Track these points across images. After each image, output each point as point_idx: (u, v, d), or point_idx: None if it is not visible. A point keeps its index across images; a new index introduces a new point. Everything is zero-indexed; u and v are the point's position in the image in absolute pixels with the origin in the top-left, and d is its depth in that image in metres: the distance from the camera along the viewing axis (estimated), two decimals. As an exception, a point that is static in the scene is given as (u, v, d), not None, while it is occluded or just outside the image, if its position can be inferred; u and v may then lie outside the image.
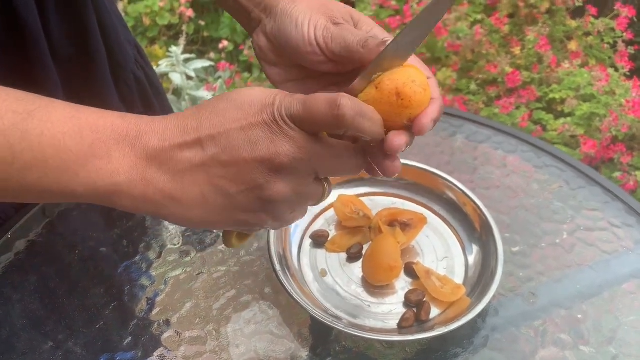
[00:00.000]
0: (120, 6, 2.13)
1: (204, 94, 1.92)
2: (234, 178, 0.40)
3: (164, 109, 0.88)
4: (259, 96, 0.40)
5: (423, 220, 0.63)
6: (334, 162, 0.42)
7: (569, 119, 1.71)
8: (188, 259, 0.63)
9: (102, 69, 0.73)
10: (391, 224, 0.63)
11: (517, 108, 1.76)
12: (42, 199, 0.43)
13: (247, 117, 0.40)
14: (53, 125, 0.39)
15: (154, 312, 0.58)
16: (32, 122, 0.38)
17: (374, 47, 0.45)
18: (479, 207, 0.62)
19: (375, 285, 0.59)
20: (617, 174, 1.62)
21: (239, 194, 0.40)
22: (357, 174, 0.45)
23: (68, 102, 0.59)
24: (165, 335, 0.56)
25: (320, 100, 0.39)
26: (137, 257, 0.63)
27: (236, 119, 0.40)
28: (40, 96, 0.41)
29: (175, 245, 0.64)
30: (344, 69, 0.50)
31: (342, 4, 0.52)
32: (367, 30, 0.49)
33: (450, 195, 0.65)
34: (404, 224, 0.63)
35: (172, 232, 0.65)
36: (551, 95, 1.77)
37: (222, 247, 0.64)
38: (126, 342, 0.56)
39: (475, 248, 0.62)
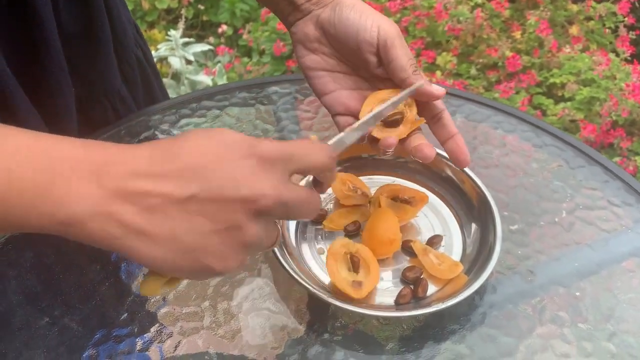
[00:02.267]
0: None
1: (203, 78, 1.92)
2: (213, 216, 0.37)
3: (161, 90, 0.88)
4: (243, 137, 0.39)
5: (424, 199, 0.63)
6: (305, 207, 0.42)
7: (569, 103, 1.71)
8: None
9: (107, 49, 0.73)
10: (393, 200, 0.62)
11: (517, 92, 1.75)
12: None
13: (232, 155, 0.38)
14: (6, 156, 0.35)
15: (151, 288, 0.58)
16: None
17: (414, 80, 0.53)
18: (477, 185, 0.62)
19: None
20: (617, 159, 1.62)
21: (214, 234, 0.38)
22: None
23: (72, 79, 0.59)
24: (162, 311, 0.56)
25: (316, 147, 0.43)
26: (134, 234, 0.62)
27: (220, 155, 0.38)
28: None
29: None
30: (380, 76, 0.56)
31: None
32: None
33: (449, 173, 0.64)
34: (404, 201, 0.62)
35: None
36: (551, 80, 1.76)
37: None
38: (122, 317, 0.56)
39: (473, 226, 0.62)
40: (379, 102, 0.55)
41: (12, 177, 0.35)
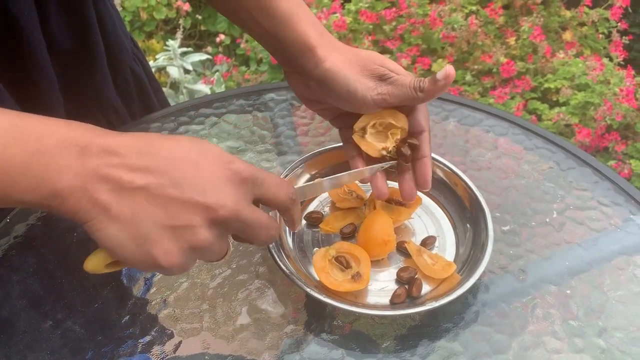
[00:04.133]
0: (117, 0, 2.14)
1: (202, 87, 1.94)
2: (172, 212, 0.41)
3: (160, 101, 0.89)
4: (222, 152, 0.44)
5: (418, 201, 0.64)
6: (262, 231, 0.46)
7: (563, 108, 1.73)
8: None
9: (101, 63, 0.73)
10: (387, 202, 0.64)
11: (512, 98, 1.77)
12: None
13: (208, 164, 0.42)
14: None
15: (151, 291, 0.59)
16: None
17: (431, 87, 0.53)
18: (469, 187, 0.64)
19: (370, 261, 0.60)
20: (612, 163, 1.64)
21: (169, 229, 0.41)
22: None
23: (65, 96, 0.60)
24: (162, 313, 0.57)
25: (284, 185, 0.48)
26: (134, 239, 0.64)
27: (196, 161, 0.42)
28: None
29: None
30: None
31: (368, 52, 0.57)
32: (399, 71, 0.56)
33: (442, 175, 0.66)
34: (399, 203, 0.64)
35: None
36: (546, 85, 1.78)
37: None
38: (124, 320, 0.57)
39: (465, 227, 0.63)
40: (374, 119, 0.57)
41: (1, 154, 0.38)
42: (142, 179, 0.40)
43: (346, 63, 0.56)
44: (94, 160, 0.40)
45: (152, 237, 0.41)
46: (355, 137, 0.58)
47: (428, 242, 0.62)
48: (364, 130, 0.58)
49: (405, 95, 0.54)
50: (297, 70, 0.58)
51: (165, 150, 0.42)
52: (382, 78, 0.55)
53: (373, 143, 0.58)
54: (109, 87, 0.76)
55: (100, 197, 0.40)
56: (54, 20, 0.65)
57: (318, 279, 0.57)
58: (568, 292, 0.59)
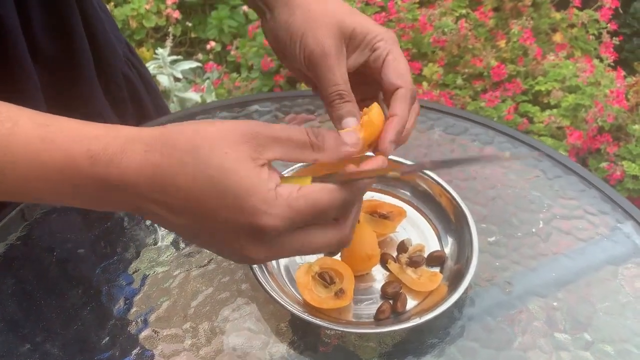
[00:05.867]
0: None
1: (192, 95, 1.93)
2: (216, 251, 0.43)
3: (158, 108, 0.87)
4: (250, 191, 0.38)
5: (402, 214, 0.63)
6: (315, 252, 0.43)
7: (554, 110, 1.72)
8: (165, 257, 0.63)
9: (87, 69, 0.72)
10: (371, 215, 0.63)
11: (503, 101, 1.76)
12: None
13: (229, 228, 0.39)
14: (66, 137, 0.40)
15: (132, 311, 0.58)
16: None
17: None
18: (453, 198, 0.63)
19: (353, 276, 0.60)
20: (604, 164, 1.63)
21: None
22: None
23: (49, 104, 0.59)
24: (143, 334, 0.56)
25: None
26: (115, 258, 0.63)
27: (214, 220, 0.39)
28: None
29: (152, 244, 0.64)
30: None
31: (346, 11, 0.53)
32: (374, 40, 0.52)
33: (425, 187, 0.65)
34: (383, 216, 0.63)
35: (149, 231, 0.65)
36: (537, 88, 1.77)
37: (200, 245, 0.64)
38: (104, 342, 0.56)
39: (450, 239, 0.62)
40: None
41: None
42: (172, 219, 0.40)
43: (302, 15, 0.52)
44: (120, 194, 0.40)
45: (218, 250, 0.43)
46: None
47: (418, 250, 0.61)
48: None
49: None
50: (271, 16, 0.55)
51: (182, 193, 0.39)
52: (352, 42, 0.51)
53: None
54: (97, 96, 0.75)
55: (153, 218, 0.41)
56: (36, 24, 0.64)
57: (301, 296, 0.56)
58: (555, 304, 0.59)
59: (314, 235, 0.41)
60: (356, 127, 0.48)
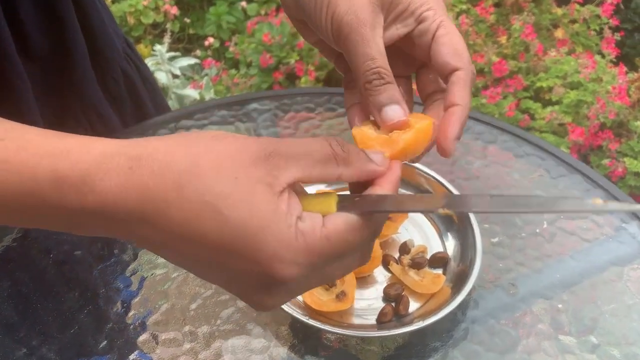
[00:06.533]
0: (104, 6, 2.12)
1: (190, 91, 1.91)
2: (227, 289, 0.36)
3: (157, 105, 0.86)
4: (255, 245, 0.31)
5: (404, 214, 0.62)
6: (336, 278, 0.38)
7: (556, 107, 1.71)
8: (163, 259, 0.62)
9: (82, 64, 0.70)
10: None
11: (505, 97, 1.75)
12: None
13: (240, 279, 0.33)
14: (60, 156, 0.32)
15: (129, 314, 0.57)
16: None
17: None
18: (457, 199, 0.62)
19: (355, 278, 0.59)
20: (606, 161, 1.62)
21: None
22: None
23: (41, 101, 0.55)
24: (141, 337, 0.55)
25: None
26: (112, 260, 0.62)
27: (223, 269, 0.33)
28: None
29: (151, 246, 0.63)
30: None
31: None
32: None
33: (427, 187, 0.64)
34: (383, 218, 0.62)
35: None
36: (538, 84, 1.76)
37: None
38: (101, 346, 0.55)
39: (453, 240, 0.61)
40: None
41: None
42: (169, 257, 0.34)
43: None
44: (100, 223, 0.33)
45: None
46: None
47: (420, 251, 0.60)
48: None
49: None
50: None
51: (177, 229, 0.32)
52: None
53: None
54: (92, 88, 0.73)
55: (150, 249, 0.34)
56: (26, 19, 0.62)
57: (302, 298, 0.55)
58: (560, 306, 0.58)
59: (334, 270, 0.35)
60: (398, 132, 0.39)
